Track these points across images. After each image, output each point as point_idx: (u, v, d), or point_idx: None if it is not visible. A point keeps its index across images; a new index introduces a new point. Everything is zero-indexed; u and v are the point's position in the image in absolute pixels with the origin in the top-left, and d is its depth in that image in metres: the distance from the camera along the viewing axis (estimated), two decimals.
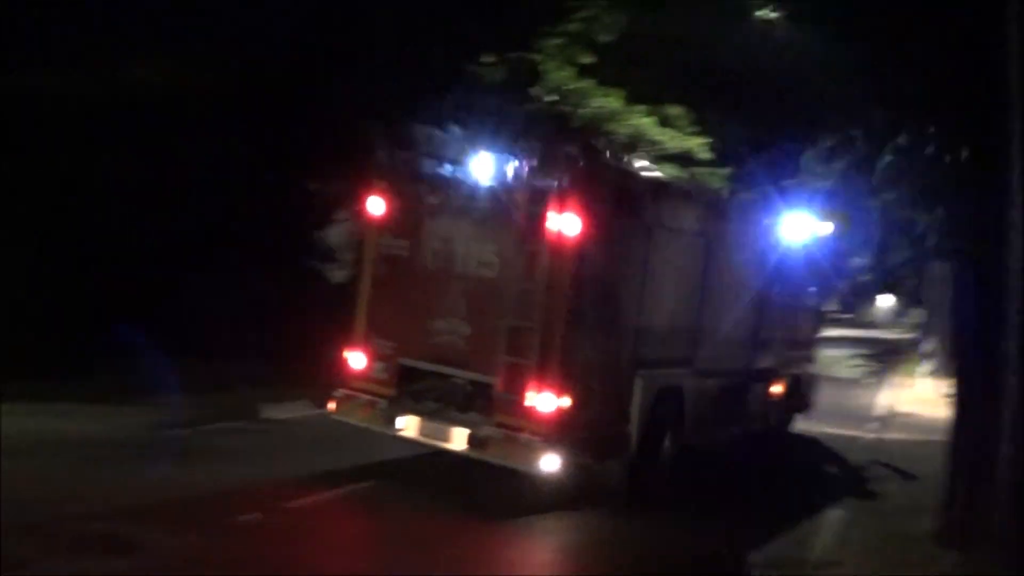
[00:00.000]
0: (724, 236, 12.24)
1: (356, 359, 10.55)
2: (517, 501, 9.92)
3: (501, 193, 9.64)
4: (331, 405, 10.69)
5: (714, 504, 11.06)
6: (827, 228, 15.89)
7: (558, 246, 9.23)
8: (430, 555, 8.18)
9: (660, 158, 22.29)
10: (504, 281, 9.58)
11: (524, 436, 9.27)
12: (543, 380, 9.24)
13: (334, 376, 10.72)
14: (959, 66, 8.03)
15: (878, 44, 8.56)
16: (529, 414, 9.27)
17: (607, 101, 19.61)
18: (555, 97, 19.13)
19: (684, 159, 23.27)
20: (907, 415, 20.60)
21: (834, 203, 27.04)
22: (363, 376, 10.49)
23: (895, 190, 24.54)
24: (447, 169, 10.16)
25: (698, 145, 22.69)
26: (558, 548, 9.54)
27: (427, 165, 10.39)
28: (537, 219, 9.36)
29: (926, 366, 22.03)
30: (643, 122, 20.57)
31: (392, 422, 10.16)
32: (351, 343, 10.58)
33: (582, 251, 9.31)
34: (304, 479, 10.14)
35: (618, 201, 10.06)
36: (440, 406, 9.98)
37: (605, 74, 19.88)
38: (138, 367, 13.04)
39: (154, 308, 14.97)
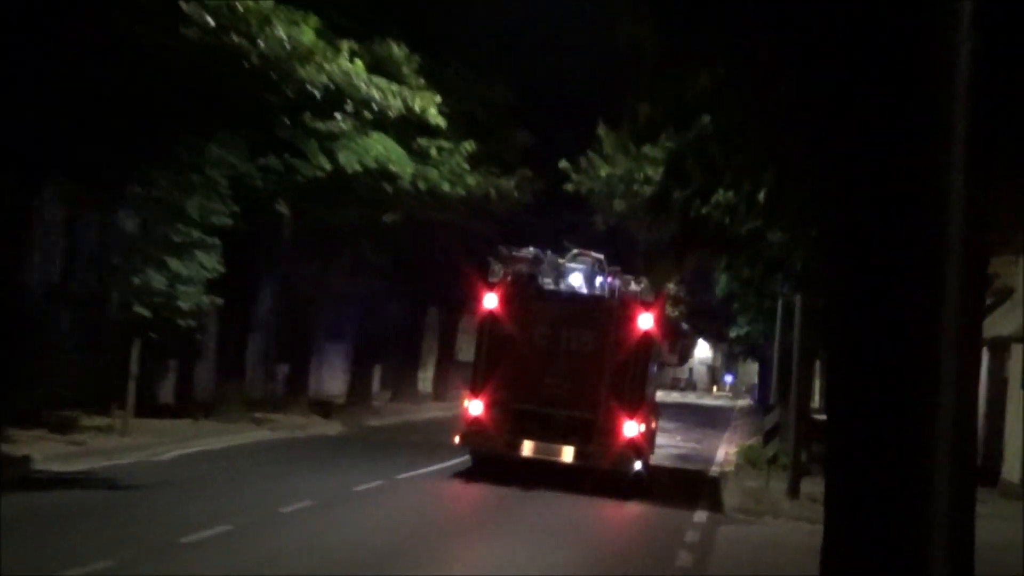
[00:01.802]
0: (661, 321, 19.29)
1: (475, 406, 16.42)
2: None
3: (595, 300, 17.00)
4: (457, 439, 16.78)
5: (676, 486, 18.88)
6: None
7: (645, 334, 16.73)
8: None
9: (371, 125, 15.98)
10: (600, 354, 16.40)
11: (618, 450, 16.19)
12: (632, 415, 16.36)
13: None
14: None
15: None
16: (622, 436, 16.22)
17: (296, 32, 13.26)
18: (217, 22, 12.61)
19: (409, 127, 17.00)
20: None
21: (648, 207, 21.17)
22: (482, 418, 16.33)
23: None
24: (549, 280, 17.00)
25: (428, 104, 16.45)
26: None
27: (532, 276, 16.87)
28: (629, 318, 16.63)
29: (771, 448, 17.71)
30: (349, 67, 14.15)
31: (513, 446, 16.19)
32: (471, 395, 16.60)
33: (655, 338, 17.35)
34: None
35: (662, 309, 19.39)
36: (546, 434, 16.15)
37: None
38: None
39: None
